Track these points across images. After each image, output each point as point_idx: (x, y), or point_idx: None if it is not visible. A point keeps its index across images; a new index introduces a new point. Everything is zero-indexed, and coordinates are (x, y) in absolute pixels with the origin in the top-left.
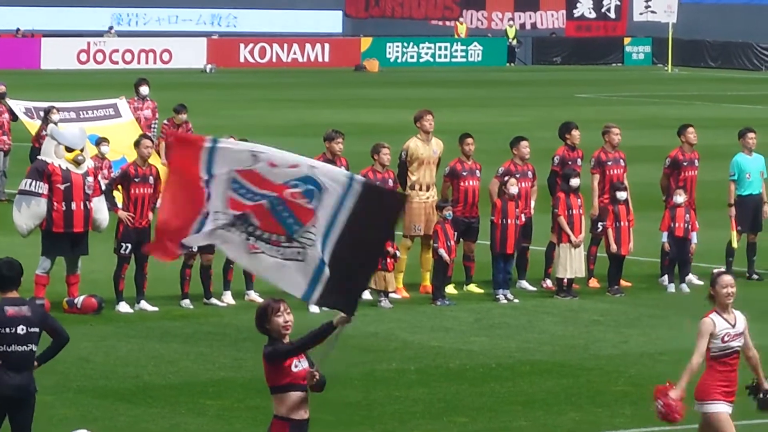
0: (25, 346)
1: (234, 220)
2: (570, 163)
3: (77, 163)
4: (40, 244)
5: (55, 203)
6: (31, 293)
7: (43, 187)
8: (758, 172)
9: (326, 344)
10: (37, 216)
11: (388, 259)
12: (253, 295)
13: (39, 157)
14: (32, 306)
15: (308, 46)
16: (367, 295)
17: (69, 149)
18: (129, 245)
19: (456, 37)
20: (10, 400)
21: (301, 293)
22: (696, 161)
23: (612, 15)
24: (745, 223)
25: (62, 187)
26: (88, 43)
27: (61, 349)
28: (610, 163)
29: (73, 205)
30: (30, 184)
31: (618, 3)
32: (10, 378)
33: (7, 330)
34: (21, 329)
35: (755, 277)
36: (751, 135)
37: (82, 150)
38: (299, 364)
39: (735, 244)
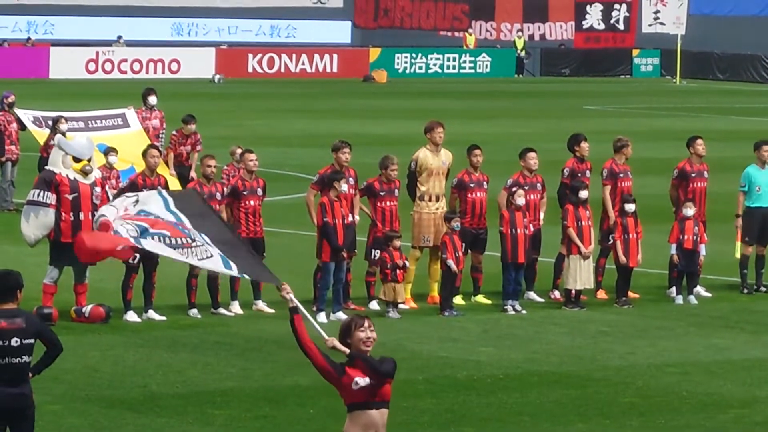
0: (19, 358)
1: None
2: (579, 175)
3: (85, 173)
4: (48, 254)
5: (63, 213)
6: (39, 302)
7: (51, 198)
8: None
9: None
10: (44, 226)
11: (398, 271)
12: (261, 305)
13: (46, 167)
14: (27, 317)
15: (317, 56)
16: (375, 305)
17: (76, 159)
18: (138, 255)
19: (465, 48)
20: (9, 411)
21: (228, 272)
22: (705, 173)
23: (621, 27)
24: (752, 234)
25: (70, 197)
26: (97, 53)
27: (54, 360)
28: (621, 176)
29: (81, 215)
30: (38, 195)
31: (627, 15)
32: (7, 390)
33: (1, 343)
34: (15, 341)
35: (763, 289)
36: (766, 147)
37: (89, 160)
38: (359, 383)
39: (738, 255)
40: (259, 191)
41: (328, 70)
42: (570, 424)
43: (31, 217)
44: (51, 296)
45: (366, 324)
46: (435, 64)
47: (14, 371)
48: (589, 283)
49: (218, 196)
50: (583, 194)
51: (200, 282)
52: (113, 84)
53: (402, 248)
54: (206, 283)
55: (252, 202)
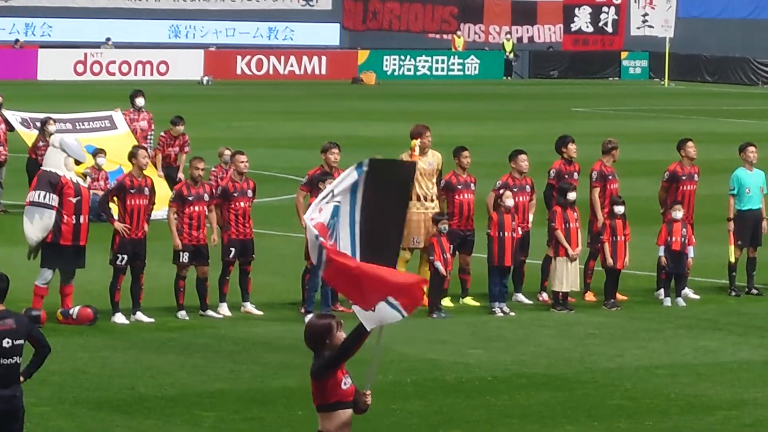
0: (10, 359)
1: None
2: (566, 176)
3: (84, 176)
4: (40, 256)
5: (65, 216)
6: (28, 304)
7: (54, 200)
8: (758, 187)
9: (372, 363)
10: (46, 228)
11: None
12: (249, 307)
13: (46, 168)
14: (17, 318)
15: (305, 58)
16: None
17: (77, 162)
18: (125, 256)
19: (453, 50)
20: (1, 413)
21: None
22: (695, 176)
23: (609, 29)
24: (745, 238)
25: (74, 200)
26: (85, 55)
27: (44, 361)
28: (610, 177)
29: (81, 219)
30: (43, 197)
31: (615, 17)
32: None
33: None
34: (6, 342)
35: (754, 291)
36: (751, 149)
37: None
38: (347, 382)
39: (732, 259)
40: (249, 193)
41: (317, 72)
42: (558, 426)
43: (36, 218)
44: (41, 299)
45: (342, 323)
46: (423, 67)
47: (6, 372)
48: (576, 285)
49: (206, 197)
50: (571, 196)
51: (188, 284)
52: (101, 86)
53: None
54: (195, 285)
55: (242, 204)
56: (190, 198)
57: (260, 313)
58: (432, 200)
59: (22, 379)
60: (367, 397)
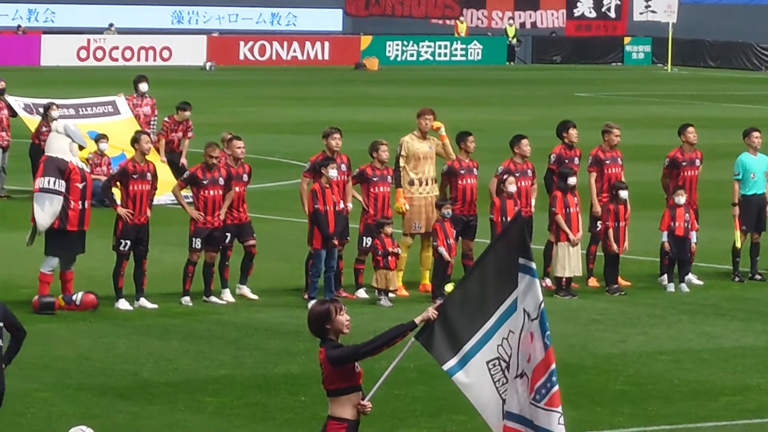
0: None
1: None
2: (567, 161)
3: (87, 161)
4: (44, 243)
5: (72, 202)
6: (31, 290)
7: (62, 186)
8: (762, 172)
9: (382, 376)
10: (54, 215)
11: (390, 257)
12: (245, 290)
13: (51, 154)
14: None
15: (308, 44)
16: (362, 293)
17: (81, 147)
18: (128, 242)
19: (456, 35)
20: None
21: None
22: (697, 161)
23: (612, 14)
24: (749, 222)
25: (80, 186)
26: (88, 40)
27: (21, 345)
28: (608, 162)
29: (86, 204)
30: (53, 183)
31: (618, 2)
32: None
33: None
34: None
35: (758, 277)
36: (756, 134)
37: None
38: (358, 366)
39: (738, 244)
40: (245, 177)
41: (320, 57)
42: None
43: (47, 205)
44: (48, 285)
45: (344, 306)
46: (426, 52)
47: None
48: (578, 270)
49: (221, 181)
50: (572, 181)
51: (195, 269)
52: (104, 71)
53: (394, 236)
54: (201, 270)
55: (237, 188)
56: (204, 182)
57: (255, 297)
58: (430, 184)
59: (2, 366)
60: (366, 406)
